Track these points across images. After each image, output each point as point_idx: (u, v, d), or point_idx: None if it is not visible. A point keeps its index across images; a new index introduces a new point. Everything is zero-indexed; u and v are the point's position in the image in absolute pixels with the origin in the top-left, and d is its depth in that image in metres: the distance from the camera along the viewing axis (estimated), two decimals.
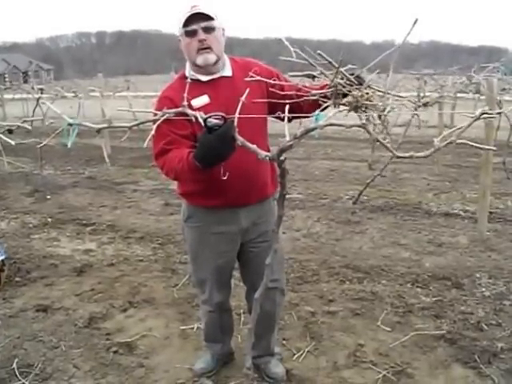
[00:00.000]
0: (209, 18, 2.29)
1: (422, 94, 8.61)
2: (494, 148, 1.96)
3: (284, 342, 3.30)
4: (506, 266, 4.46)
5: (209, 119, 1.87)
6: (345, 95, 1.77)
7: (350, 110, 1.68)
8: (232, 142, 1.90)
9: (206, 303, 2.85)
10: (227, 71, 2.44)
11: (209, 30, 2.31)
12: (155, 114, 1.67)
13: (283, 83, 2.37)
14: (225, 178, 2.18)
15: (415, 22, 1.48)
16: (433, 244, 5.09)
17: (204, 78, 2.40)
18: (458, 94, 10.07)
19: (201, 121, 1.82)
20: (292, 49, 1.70)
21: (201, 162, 2.07)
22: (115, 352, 3.23)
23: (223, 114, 1.90)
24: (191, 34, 2.31)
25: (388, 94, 1.64)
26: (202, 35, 2.29)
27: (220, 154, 2.02)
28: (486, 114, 1.54)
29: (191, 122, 2.15)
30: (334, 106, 1.71)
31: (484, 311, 3.64)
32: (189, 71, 2.42)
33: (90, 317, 3.66)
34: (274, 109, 2.09)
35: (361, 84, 1.77)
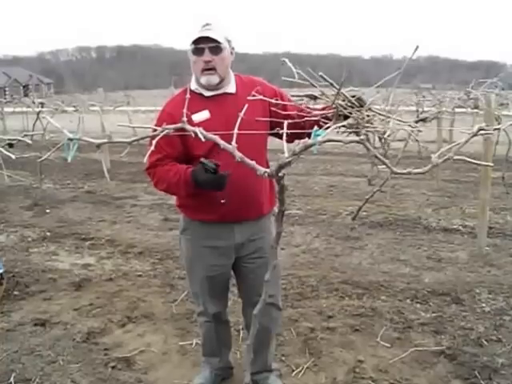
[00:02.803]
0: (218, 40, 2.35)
1: (420, 110, 8.65)
2: (492, 164, 1.97)
3: (283, 358, 3.29)
4: (506, 281, 4.45)
5: (205, 161, 2.20)
6: (346, 117, 1.78)
7: (350, 132, 1.69)
8: (221, 187, 2.26)
9: (202, 315, 2.86)
10: (231, 88, 2.48)
11: (216, 51, 2.36)
12: (155, 130, 1.68)
13: (286, 103, 2.40)
14: (223, 202, 2.40)
15: (416, 49, 1.50)
16: (432, 259, 5.08)
17: (207, 93, 2.45)
18: (457, 109, 10.12)
19: (200, 136, 1.83)
20: (294, 70, 1.72)
21: (195, 182, 2.30)
22: (113, 367, 3.21)
23: (218, 163, 2.19)
24: (198, 52, 2.37)
25: (389, 117, 1.65)
26: (208, 56, 2.36)
27: (212, 188, 2.31)
28: (483, 130, 1.54)
29: (185, 139, 2.24)
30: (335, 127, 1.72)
31: (484, 327, 3.63)
32: (194, 85, 2.48)
33: (88, 331, 3.64)
34: (275, 128, 2.13)
35: (362, 106, 1.79)
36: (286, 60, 1.84)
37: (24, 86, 65.38)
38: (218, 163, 2.20)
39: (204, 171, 2.22)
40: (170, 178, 2.38)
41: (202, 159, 2.21)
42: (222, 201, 2.40)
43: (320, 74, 1.67)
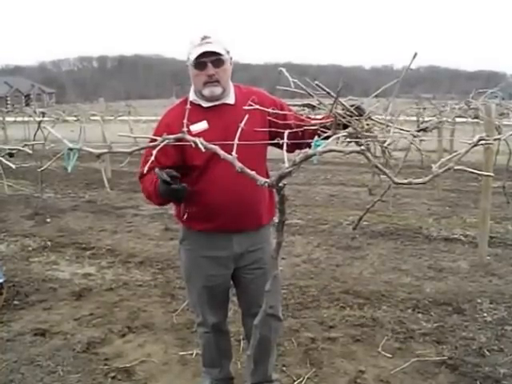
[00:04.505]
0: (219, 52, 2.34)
1: (421, 119, 8.66)
2: (492, 174, 1.96)
3: (284, 368, 3.27)
4: (507, 290, 4.44)
5: (158, 172, 2.18)
6: (345, 126, 1.78)
7: (349, 142, 1.69)
8: (178, 198, 2.33)
9: (201, 325, 2.84)
10: (230, 99, 2.47)
11: (218, 63, 2.35)
12: (155, 140, 1.68)
13: (286, 112, 2.40)
14: (184, 219, 2.53)
15: (414, 56, 1.50)
16: (433, 269, 5.07)
17: (205, 104, 2.44)
18: (457, 119, 10.13)
19: (200, 146, 1.83)
20: (291, 79, 1.72)
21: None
22: (113, 377, 3.19)
23: (178, 175, 2.22)
24: (200, 66, 2.36)
25: (388, 125, 1.65)
26: (211, 70, 2.35)
27: (172, 199, 2.38)
28: (484, 140, 1.54)
29: (184, 150, 2.24)
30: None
31: (486, 337, 3.61)
32: (192, 96, 2.46)
33: (88, 341, 3.63)
34: (275, 138, 2.11)
35: (361, 115, 1.79)
36: (283, 70, 1.84)
37: (25, 96, 65.63)
38: (178, 175, 2.21)
39: (161, 182, 2.21)
40: (148, 187, 2.44)
41: (156, 170, 2.18)
42: (184, 216, 2.51)
43: (316, 82, 1.68)
